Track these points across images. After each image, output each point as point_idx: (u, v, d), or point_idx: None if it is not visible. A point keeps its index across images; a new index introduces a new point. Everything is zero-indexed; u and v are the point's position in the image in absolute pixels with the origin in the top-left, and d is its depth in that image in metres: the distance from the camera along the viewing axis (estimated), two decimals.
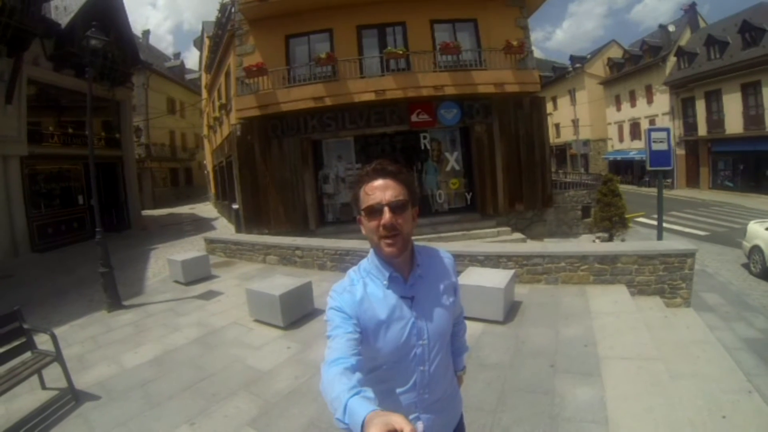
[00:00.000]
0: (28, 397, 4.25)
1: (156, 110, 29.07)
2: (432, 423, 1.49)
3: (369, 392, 1.08)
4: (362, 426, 0.94)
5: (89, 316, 6.96)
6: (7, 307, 4.54)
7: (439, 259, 1.61)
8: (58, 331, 5.56)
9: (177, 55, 41.73)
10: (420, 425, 1.41)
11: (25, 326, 4.36)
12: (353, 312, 1.35)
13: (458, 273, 5.74)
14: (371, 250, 1.48)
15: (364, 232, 1.43)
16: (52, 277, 10.10)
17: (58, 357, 4.21)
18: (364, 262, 1.51)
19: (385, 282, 1.42)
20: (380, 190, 1.35)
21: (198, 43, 31.04)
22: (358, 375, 1.16)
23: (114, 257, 7.98)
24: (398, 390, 1.44)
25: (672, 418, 3.15)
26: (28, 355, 4.26)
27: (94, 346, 5.67)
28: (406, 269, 1.46)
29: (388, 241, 1.36)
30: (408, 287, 1.44)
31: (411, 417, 1.43)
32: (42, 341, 4.59)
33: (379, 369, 1.41)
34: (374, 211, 1.35)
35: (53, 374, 4.36)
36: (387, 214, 1.33)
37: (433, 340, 1.46)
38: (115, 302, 7.17)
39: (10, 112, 11.92)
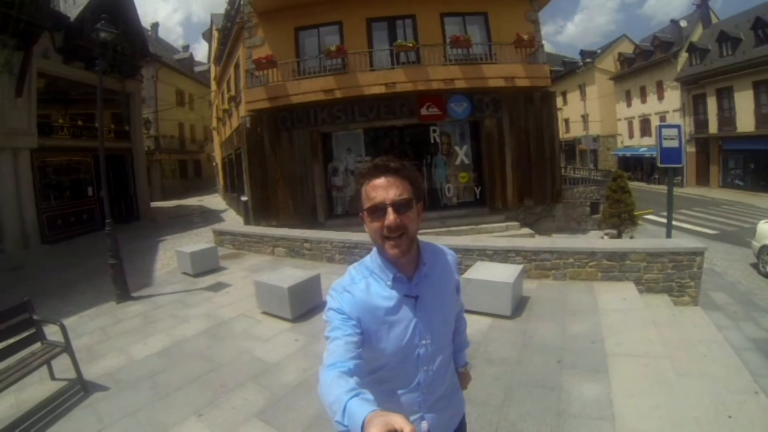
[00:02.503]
0: (37, 388, 4.30)
1: (165, 102, 29.17)
2: (436, 422, 1.48)
3: (368, 394, 1.06)
4: (362, 427, 0.92)
5: (98, 307, 7.02)
6: (17, 298, 4.59)
7: (443, 257, 1.58)
8: (68, 322, 5.64)
9: (186, 48, 41.94)
10: (424, 425, 1.42)
11: (35, 317, 4.40)
12: (353, 312, 1.32)
13: (464, 269, 5.71)
14: (374, 248, 1.43)
15: (367, 230, 1.38)
16: (62, 269, 10.18)
17: (67, 348, 4.25)
18: (367, 260, 1.47)
19: (389, 283, 1.39)
20: (383, 188, 1.30)
21: (207, 36, 31.01)
22: (356, 378, 1.14)
23: (123, 249, 8.03)
24: (401, 390, 1.42)
25: (678, 416, 3.15)
26: (37, 345, 4.31)
27: (103, 337, 5.73)
28: (410, 268, 1.42)
29: (393, 242, 1.31)
30: (413, 286, 1.40)
31: (415, 417, 1.43)
32: (51, 332, 4.64)
33: (382, 370, 1.39)
34: (377, 210, 1.30)
35: (62, 365, 4.41)
36: (391, 215, 1.28)
37: (436, 339, 1.43)
38: (124, 293, 7.24)
39: (20, 105, 11.97)
